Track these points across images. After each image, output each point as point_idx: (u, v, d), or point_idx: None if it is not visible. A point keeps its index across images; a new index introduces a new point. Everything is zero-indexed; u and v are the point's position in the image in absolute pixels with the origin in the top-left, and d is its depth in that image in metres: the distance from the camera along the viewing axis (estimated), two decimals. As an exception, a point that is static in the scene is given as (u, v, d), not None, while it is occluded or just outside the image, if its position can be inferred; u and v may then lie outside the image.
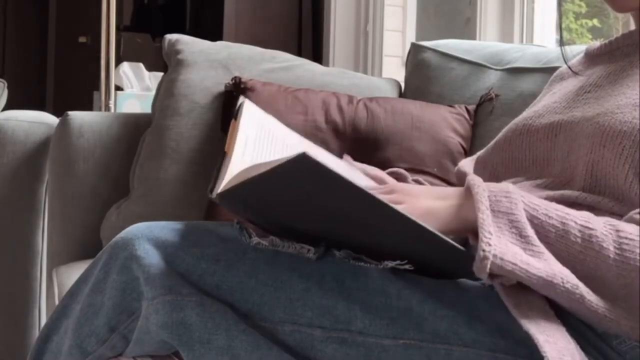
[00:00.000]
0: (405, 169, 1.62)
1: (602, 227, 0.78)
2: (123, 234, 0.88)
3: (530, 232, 0.77)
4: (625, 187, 0.86)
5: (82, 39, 4.52)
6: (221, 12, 3.46)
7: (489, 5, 2.62)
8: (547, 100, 1.07)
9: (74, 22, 5.05)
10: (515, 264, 0.75)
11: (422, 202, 0.83)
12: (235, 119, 0.87)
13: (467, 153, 1.67)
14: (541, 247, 0.76)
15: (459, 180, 1.22)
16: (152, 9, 5.11)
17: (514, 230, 0.76)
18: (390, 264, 0.79)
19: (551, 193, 0.91)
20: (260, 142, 0.88)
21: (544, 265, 0.75)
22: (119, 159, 1.74)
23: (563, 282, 0.75)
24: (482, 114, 1.73)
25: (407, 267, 0.79)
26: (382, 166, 1.63)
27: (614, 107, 0.91)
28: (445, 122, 1.69)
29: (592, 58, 1.08)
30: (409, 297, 0.80)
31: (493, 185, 0.81)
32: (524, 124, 1.03)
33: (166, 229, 0.87)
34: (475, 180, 0.82)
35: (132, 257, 0.84)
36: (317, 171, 0.69)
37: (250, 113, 0.89)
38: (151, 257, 0.83)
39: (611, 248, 0.76)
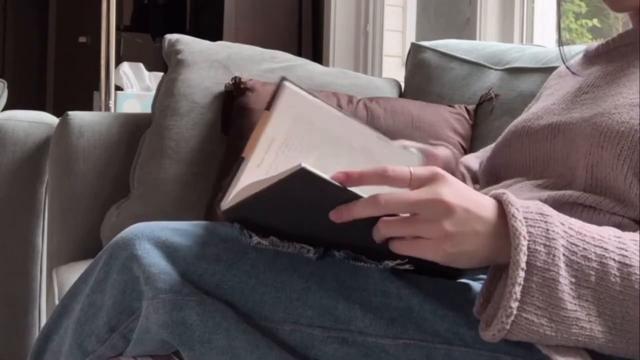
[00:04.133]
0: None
1: (638, 260, 0.74)
2: (123, 233, 0.88)
3: (563, 290, 0.72)
4: (625, 187, 0.85)
5: (82, 39, 4.52)
6: (221, 12, 3.46)
7: (489, 5, 2.61)
8: (545, 101, 1.06)
9: (74, 22, 5.05)
10: (524, 336, 0.73)
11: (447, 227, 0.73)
12: (269, 108, 0.79)
13: (467, 153, 1.67)
14: (568, 310, 0.72)
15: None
16: (152, 9, 5.11)
17: (545, 290, 0.72)
18: (391, 263, 0.79)
19: (552, 193, 0.91)
20: (290, 144, 0.81)
21: (560, 336, 0.73)
22: (119, 159, 1.74)
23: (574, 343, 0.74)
24: (482, 114, 1.73)
25: (407, 267, 0.79)
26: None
27: (611, 107, 0.90)
28: (445, 122, 1.69)
29: (590, 59, 1.07)
30: (409, 297, 0.80)
31: (532, 219, 0.74)
32: (522, 126, 1.02)
33: (166, 228, 0.87)
34: (512, 211, 0.74)
35: (132, 256, 0.84)
36: (316, 182, 0.70)
37: (287, 104, 0.79)
38: (151, 256, 0.83)
39: None
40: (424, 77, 1.90)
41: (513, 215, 0.73)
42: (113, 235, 1.87)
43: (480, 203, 0.75)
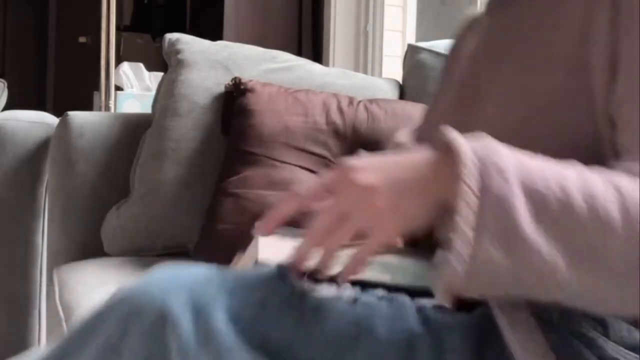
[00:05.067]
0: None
1: (603, 190, 0.69)
2: (146, 285, 0.72)
3: (520, 216, 0.67)
4: None
5: (82, 39, 4.52)
6: (221, 12, 3.46)
7: (489, 5, 2.61)
8: (444, 95, 1.00)
9: (74, 22, 5.05)
10: (483, 277, 0.68)
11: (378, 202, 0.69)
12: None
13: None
14: (528, 240, 0.67)
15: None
16: (152, 9, 5.12)
17: (501, 217, 0.67)
18: (427, 302, 0.77)
19: None
20: None
21: (520, 268, 0.68)
22: (119, 159, 1.74)
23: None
24: (482, 115, 1.73)
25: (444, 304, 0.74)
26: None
27: (483, 124, 0.83)
28: (445, 122, 1.69)
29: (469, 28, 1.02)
30: (451, 352, 0.74)
31: (481, 150, 0.69)
32: (420, 135, 0.96)
33: (200, 276, 0.74)
34: (459, 144, 0.69)
35: (163, 319, 0.70)
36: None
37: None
38: (187, 321, 0.69)
39: (618, 216, 0.67)
40: (420, 78, 1.90)
41: (459, 148, 0.69)
42: (113, 235, 1.86)
43: (403, 160, 0.73)
